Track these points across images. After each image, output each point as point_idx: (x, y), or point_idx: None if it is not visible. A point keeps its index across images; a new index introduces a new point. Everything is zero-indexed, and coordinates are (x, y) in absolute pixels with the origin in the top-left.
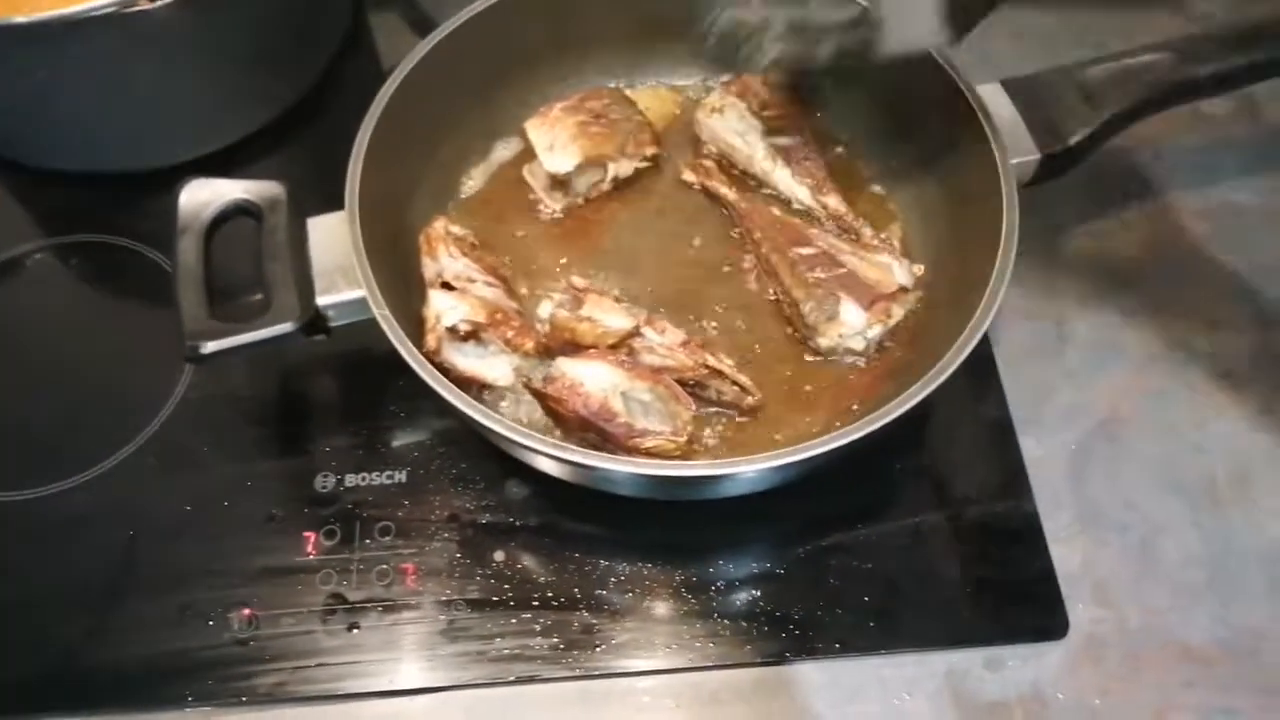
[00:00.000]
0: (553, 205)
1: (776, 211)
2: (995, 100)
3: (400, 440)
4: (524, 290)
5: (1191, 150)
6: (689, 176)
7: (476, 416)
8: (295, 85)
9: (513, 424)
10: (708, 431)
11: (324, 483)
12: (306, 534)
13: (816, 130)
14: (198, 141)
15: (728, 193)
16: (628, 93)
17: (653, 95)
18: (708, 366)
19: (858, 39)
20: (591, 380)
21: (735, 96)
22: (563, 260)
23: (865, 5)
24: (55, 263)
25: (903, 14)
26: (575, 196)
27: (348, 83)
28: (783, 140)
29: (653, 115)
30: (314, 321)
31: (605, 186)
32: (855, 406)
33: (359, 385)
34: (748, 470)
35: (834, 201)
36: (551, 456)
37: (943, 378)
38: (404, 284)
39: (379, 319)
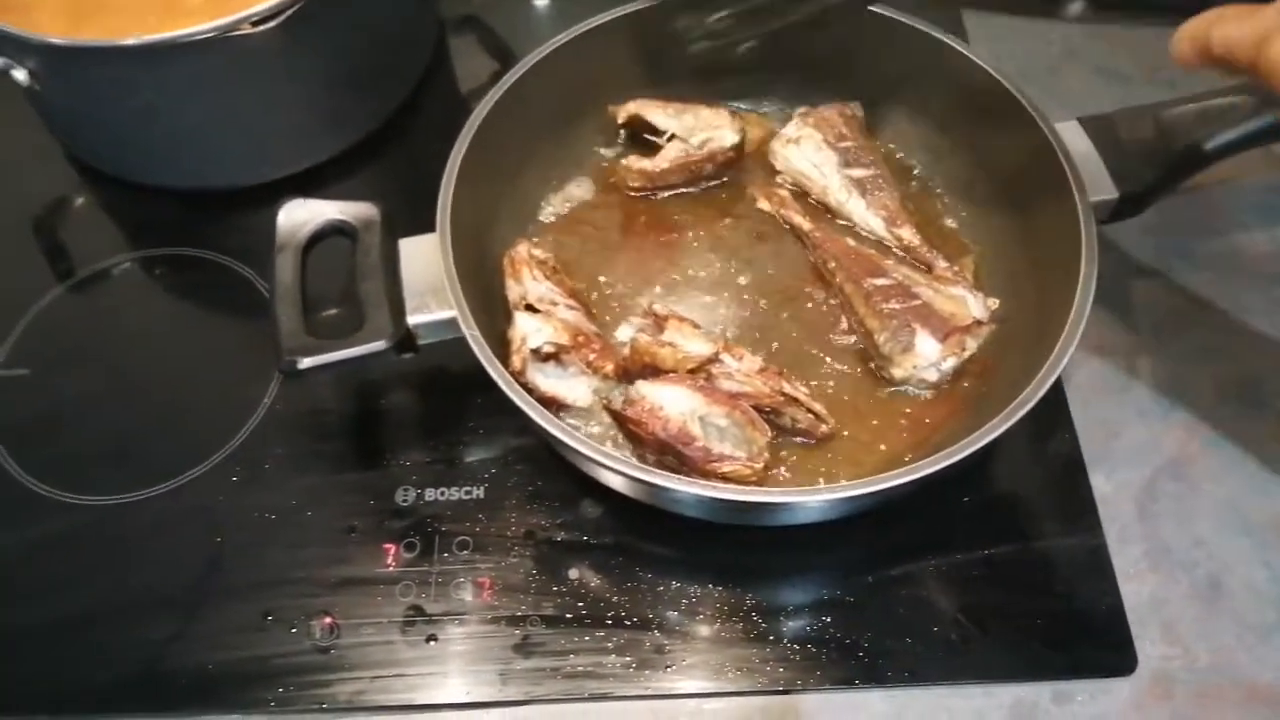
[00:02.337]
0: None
1: (851, 242)
2: (1073, 138)
3: (478, 457)
4: (602, 314)
5: (1263, 190)
6: (764, 205)
7: (562, 436)
8: (382, 107)
9: (595, 444)
10: (782, 456)
11: (404, 496)
12: (386, 546)
13: (891, 163)
14: (288, 160)
15: (802, 222)
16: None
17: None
18: (784, 394)
19: None
20: (671, 404)
21: (812, 128)
22: (639, 285)
23: None
24: (145, 275)
25: None
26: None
27: (430, 106)
28: (858, 172)
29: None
30: (405, 340)
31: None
32: (928, 438)
33: (438, 402)
34: (823, 499)
35: (908, 234)
36: (631, 477)
37: (1018, 415)
38: (488, 305)
39: (469, 339)
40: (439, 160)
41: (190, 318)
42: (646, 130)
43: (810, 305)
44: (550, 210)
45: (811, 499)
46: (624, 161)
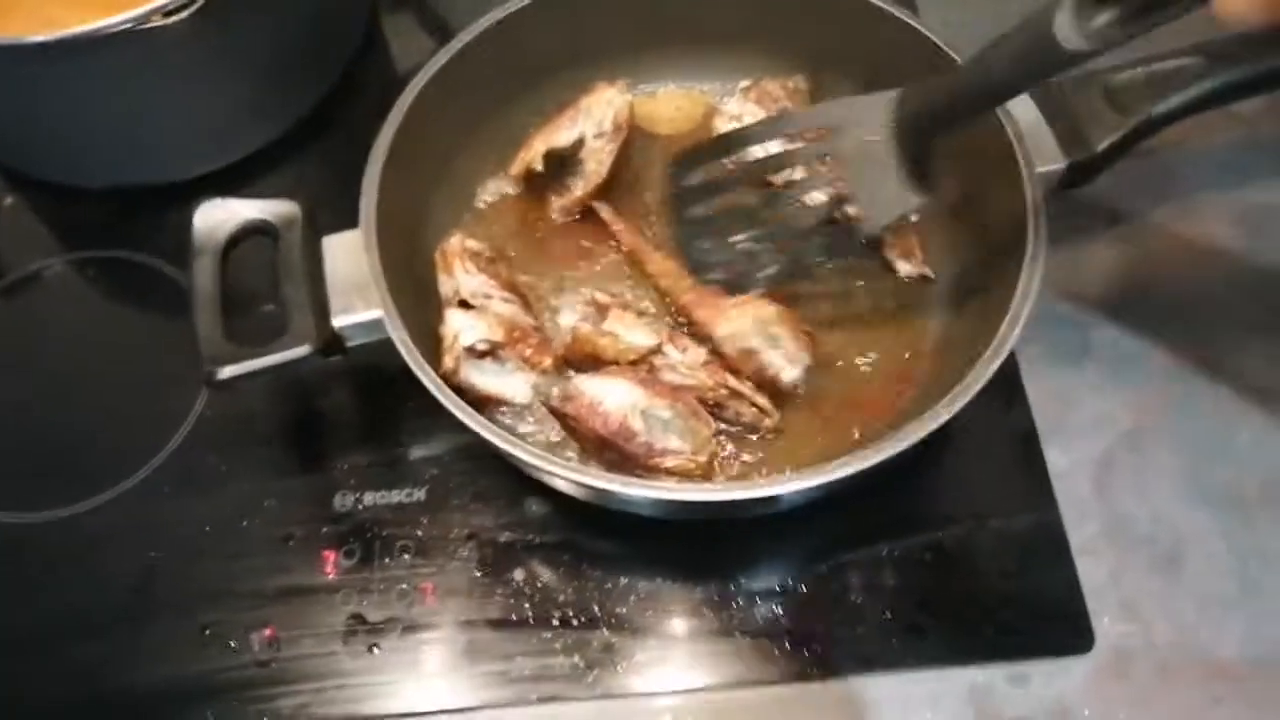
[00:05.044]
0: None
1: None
2: (1019, 106)
3: (418, 457)
4: (545, 302)
5: (1221, 150)
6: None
7: (497, 442)
8: (312, 93)
9: (531, 448)
10: (727, 450)
11: (342, 501)
12: (326, 553)
13: None
14: (215, 154)
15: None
16: (650, 95)
17: (684, 97)
18: (728, 387)
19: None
20: (611, 398)
21: (754, 103)
22: (581, 265)
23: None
24: (72, 278)
25: (874, 199)
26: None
27: (364, 87)
28: None
29: (681, 116)
30: (331, 343)
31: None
32: (878, 419)
33: (376, 401)
34: (766, 493)
35: (854, 208)
36: (569, 480)
37: (960, 404)
38: (420, 299)
39: (396, 342)
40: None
41: (118, 322)
42: (556, 155)
43: None
44: (487, 195)
45: (752, 494)
46: (558, 204)
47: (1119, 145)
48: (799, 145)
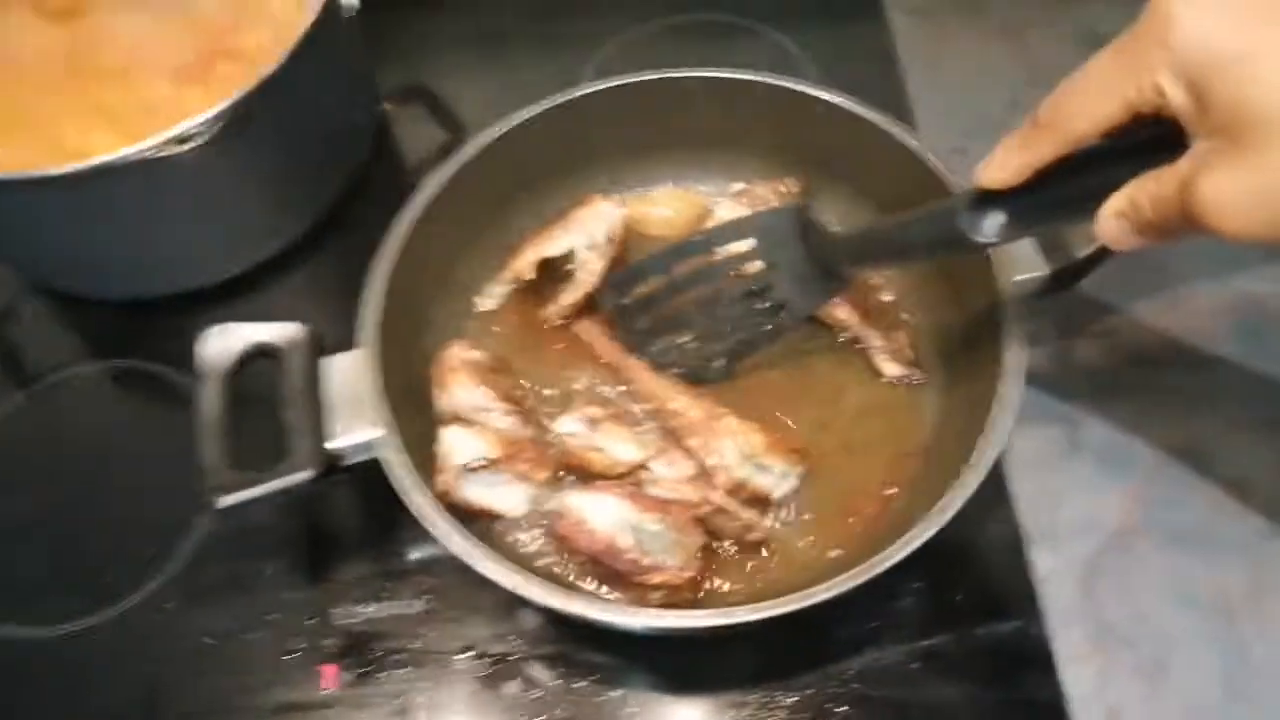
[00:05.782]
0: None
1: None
2: None
3: (416, 567)
4: (545, 406)
5: (1206, 240)
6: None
7: (484, 568)
8: (322, 202)
9: (511, 571)
10: (717, 559)
11: (342, 614)
12: (324, 668)
13: None
14: (226, 266)
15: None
16: (646, 195)
17: (680, 197)
18: (712, 503)
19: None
20: (598, 515)
21: (745, 207)
22: (582, 368)
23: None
24: (83, 387)
25: (795, 292)
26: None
27: (375, 185)
28: None
29: (679, 218)
30: (329, 466)
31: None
32: (868, 526)
33: (377, 510)
34: (750, 618)
35: (843, 311)
36: (547, 609)
37: (939, 524)
38: (421, 407)
39: (390, 467)
40: None
41: (128, 432)
42: (548, 264)
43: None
44: (487, 299)
45: (736, 619)
46: (547, 311)
47: (1100, 251)
48: (721, 255)
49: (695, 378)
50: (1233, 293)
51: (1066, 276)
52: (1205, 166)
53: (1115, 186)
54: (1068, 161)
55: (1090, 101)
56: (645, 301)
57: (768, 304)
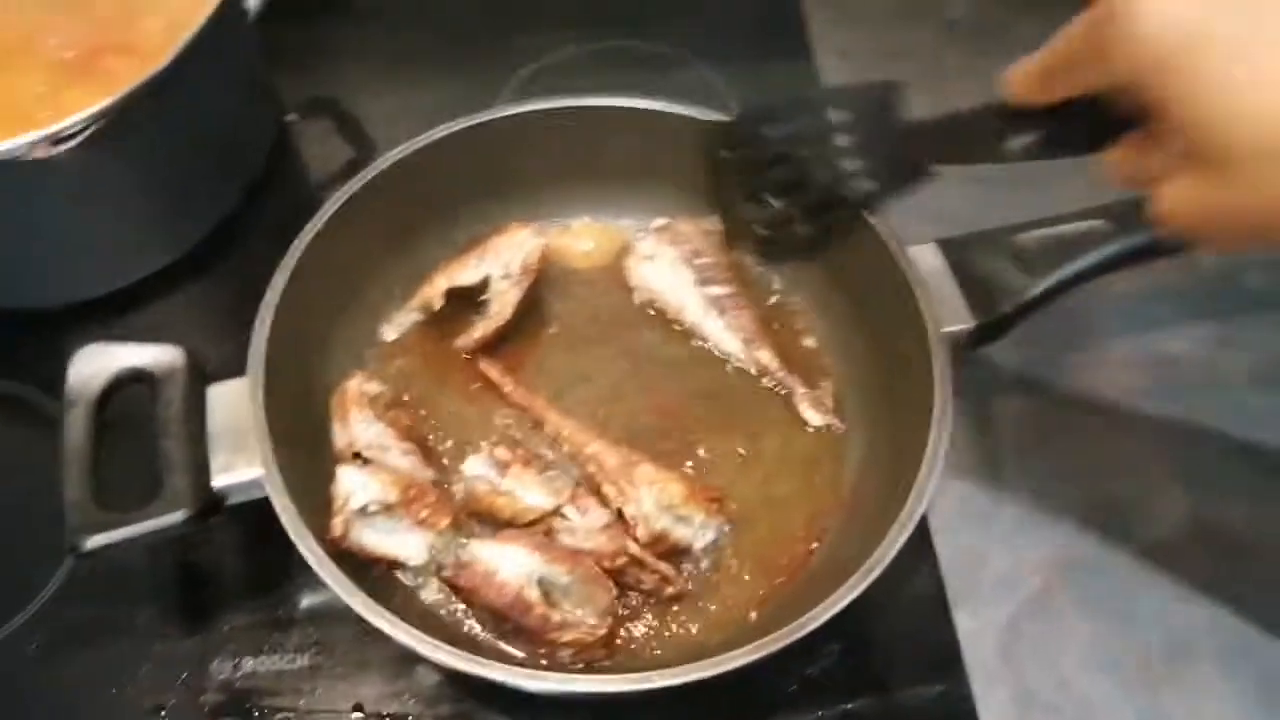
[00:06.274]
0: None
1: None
2: (930, 263)
3: (305, 618)
4: (448, 446)
5: (1129, 299)
6: None
7: (379, 624)
8: (211, 217)
9: (408, 631)
10: (629, 614)
11: (220, 668)
12: None
13: (749, 282)
14: (105, 280)
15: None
16: (566, 228)
17: (600, 231)
18: (629, 555)
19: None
20: (506, 567)
21: (668, 244)
22: (488, 407)
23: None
24: None
25: (882, 174)
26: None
27: (274, 201)
28: (715, 290)
29: (596, 251)
30: (208, 506)
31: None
32: (787, 581)
33: (263, 555)
34: (666, 684)
35: (766, 356)
36: (454, 668)
37: (870, 578)
38: (316, 443)
39: (277, 509)
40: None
41: None
42: (460, 293)
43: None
44: (391, 329)
45: (645, 685)
46: (458, 343)
47: (1025, 306)
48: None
49: (777, 246)
50: (1151, 352)
51: (992, 329)
52: (1172, 168)
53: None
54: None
55: (1056, 82)
56: (740, 160)
57: (854, 182)
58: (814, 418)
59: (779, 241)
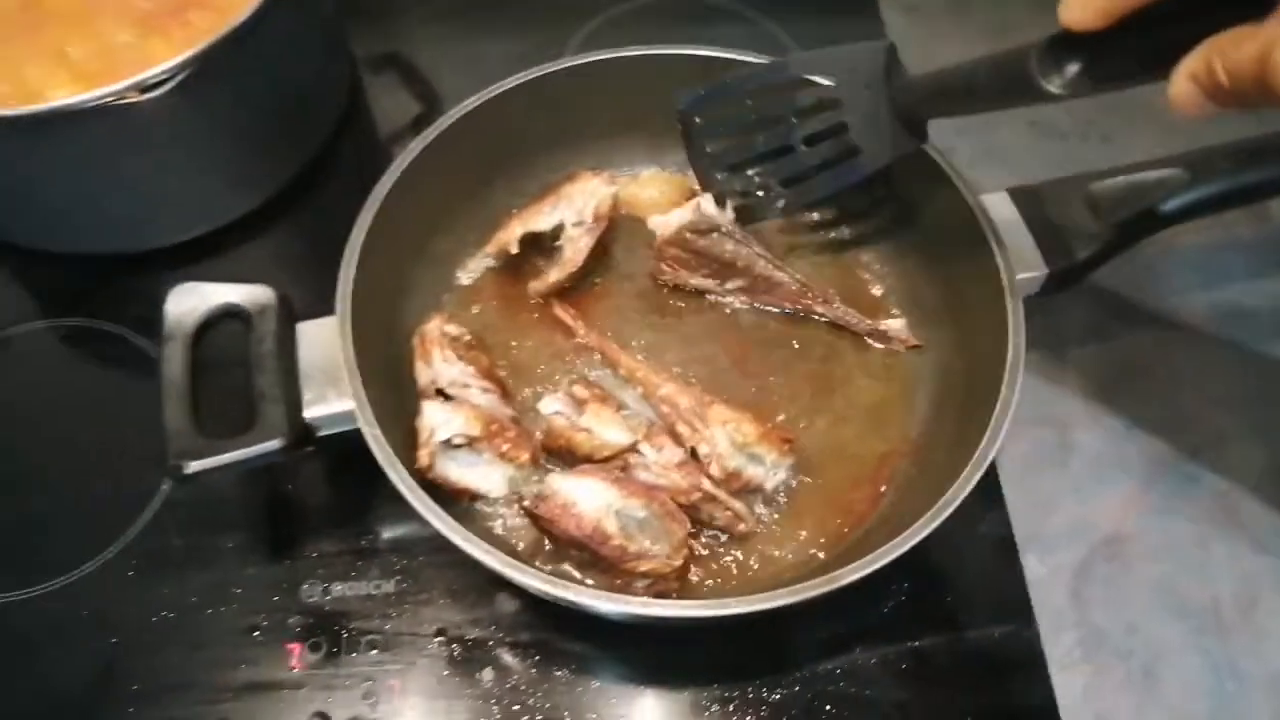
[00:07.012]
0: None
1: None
2: (1002, 212)
3: (388, 546)
4: (526, 387)
5: (1200, 251)
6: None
7: (464, 546)
8: (292, 164)
9: (497, 554)
10: (702, 551)
11: (310, 592)
12: (291, 646)
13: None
14: (191, 225)
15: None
16: (633, 178)
17: (666, 181)
18: (702, 490)
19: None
20: (585, 499)
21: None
22: (564, 347)
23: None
24: (39, 346)
25: (873, 139)
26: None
27: (346, 154)
28: (732, 285)
29: (664, 200)
30: (303, 435)
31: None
32: (858, 523)
33: (348, 485)
34: (744, 610)
35: (820, 307)
36: (536, 589)
37: (930, 527)
38: (398, 380)
39: (368, 439)
40: (355, 218)
41: (85, 394)
42: (532, 239)
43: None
44: (468, 274)
45: (722, 612)
46: (531, 287)
47: (1100, 254)
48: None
49: (753, 212)
50: (1221, 304)
51: (1065, 277)
52: None
53: (1194, 43)
54: (1149, 13)
55: None
56: (718, 124)
57: (840, 149)
58: (886, 337)
59: (756, 209)
